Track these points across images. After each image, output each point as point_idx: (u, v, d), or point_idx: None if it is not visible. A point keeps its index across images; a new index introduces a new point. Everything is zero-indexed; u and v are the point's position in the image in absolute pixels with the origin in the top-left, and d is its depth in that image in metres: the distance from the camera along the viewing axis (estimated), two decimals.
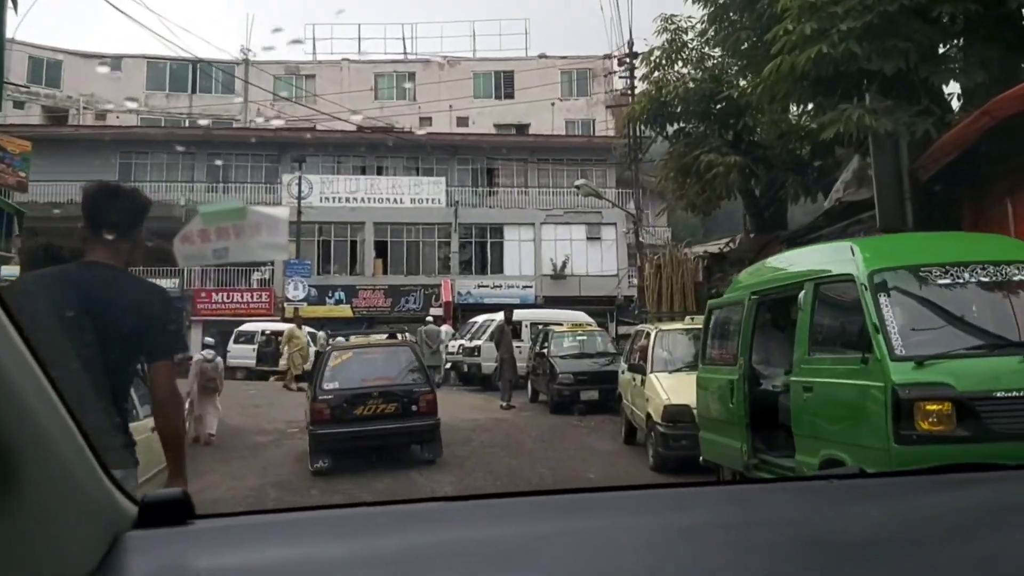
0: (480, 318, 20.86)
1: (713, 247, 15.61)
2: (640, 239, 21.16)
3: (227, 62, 36.69)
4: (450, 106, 37.92)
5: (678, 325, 10.27)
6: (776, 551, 1.01)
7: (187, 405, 8.24)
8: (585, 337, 14.56)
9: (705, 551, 1.03)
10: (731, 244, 14.41)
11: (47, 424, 0.90)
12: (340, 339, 12.40)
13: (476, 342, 18.84)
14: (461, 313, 29.19)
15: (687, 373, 8.29)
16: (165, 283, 30.57)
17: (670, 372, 8.84)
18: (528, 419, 13.17)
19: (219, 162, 32.77)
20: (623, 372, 10.78)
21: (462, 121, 37.54)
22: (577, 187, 20.20)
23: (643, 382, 9.09)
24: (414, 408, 9.49)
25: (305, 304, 27.79)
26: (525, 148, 33.53)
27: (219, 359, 12.75)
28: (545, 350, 14.32)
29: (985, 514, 1.09)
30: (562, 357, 13.79)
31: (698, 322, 8.99)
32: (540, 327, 17.23)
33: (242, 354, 25.92)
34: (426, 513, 1.32)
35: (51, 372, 0.92)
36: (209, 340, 13.96)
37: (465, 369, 19.24)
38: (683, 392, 7.98)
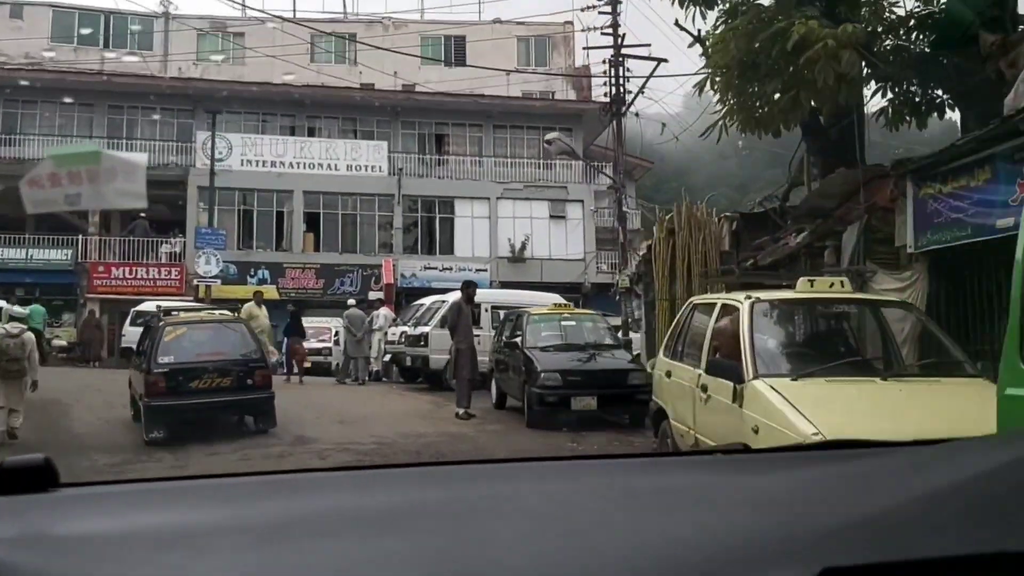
0: (428, 299, 17.15)
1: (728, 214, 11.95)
2: (624, 208, 17.54)
3: (145, 14, 32.09)
4: (395, 72, 33.62)
5: (787, 295, 6.21)
6: (659, 518, 1.05)
7: None
8: (574, 323, 10.92)
9: (585, 519, 1.05)
10: (773, 200, 10.87)
11: None
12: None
13: (423, 329, 15.12)
14: (405, 299, 25.25)
15: (829, 380, 4.61)
16: (56, 254, 26.04)
17: (795, 378, 4.82)
18: (496, 436, 9.58)
19: (122, 116, 28.18)
20: (660, 373, 6.93)
21: (408, 89, 33.36)
22: (548, 142, 16.73)
23: (736, 395, 4.91)
24: (249, 382, 10.02)
25: (219, 282, 23.58)
26: (480, 112, 29.82)
27: (28, 334, 10.13)
28: (518, 340, 10.60)
29: (849, 483, 1.13)
30: (543, 349, 10.15)
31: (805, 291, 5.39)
32: (505, 312, 13.44)
33: (137, 336, 21.50)
34: (297, 483, 1.31)
35: None
36: (18, 309, 11.05)
37: (408, 363, 15.50)
38: (842, 415, 4.39)
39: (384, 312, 17.66)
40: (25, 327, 10.41)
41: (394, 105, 29.54)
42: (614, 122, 18.75)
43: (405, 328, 16.54)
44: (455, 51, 34.95)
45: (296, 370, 17.52)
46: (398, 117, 29.85)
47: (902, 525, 0.94)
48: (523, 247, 28.31)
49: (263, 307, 19.33)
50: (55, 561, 0.92)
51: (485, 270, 27.97)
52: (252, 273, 26.93)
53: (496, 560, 0.93)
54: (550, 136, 17.12)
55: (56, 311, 26.22)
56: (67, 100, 27.34)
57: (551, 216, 29.08)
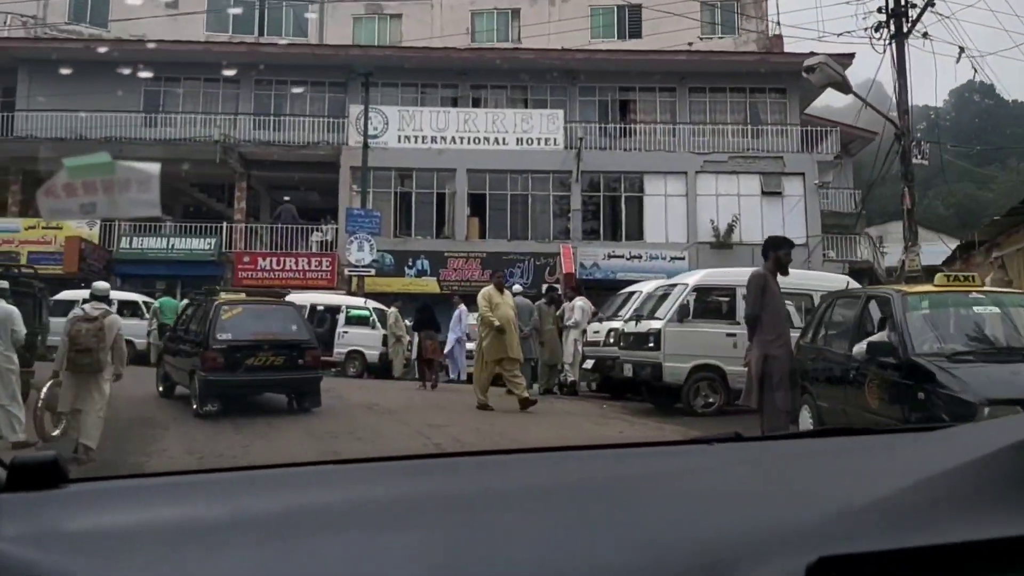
0: (645, 286, 12.61)
1: None
2: (915, 159, 12.48)
3: (300, 1, 29.43)
4: (562, 47, 29.36)
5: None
6: (653, 507, 1.05)
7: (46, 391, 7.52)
8: (994, 309, 6.05)
9: (582, 509, 1.05)
10: None
11: None
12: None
13: (652, 324, 10.62)
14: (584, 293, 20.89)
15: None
16: (199, 244, 23.48)
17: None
18: None
19: (269, 92, 25.42)
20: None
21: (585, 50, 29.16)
22: (809, 69, 11.89)
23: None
24: (300, 361, 10.42)
25: (372, 272, 20.11)
26: (672, 74, 25.09)
27: (113, 317, 7.98)
28: (884, 340, 5.89)
29: (841, 471, 1.14)
30: (956, 358, 5.35)
31: None
32: (826, 296, 8.76)
33: None
34: (307, 476, 1.32)
35: None
36: (102, 285, 8.59)
37: (625, 372, 10.99)
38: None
39: (581, 304, 13.37)
40: (110, 309, 8.36)
41: (571, 69, 25.34)
42: (890, 47, 13.69)
43: (617, 324, 12.16)
44: (629, 22, 30.24)
45: (429, 375, 14.52)
46: (575, 83, 25.72)
47: (899, 512, 0.95)
48: (730, 230, 23.44)
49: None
50: (66, 558, 0.93)
51: (682, 258, 23.37)
52: (410, 264, 23.47)
53: (500, 551, 0.95)
54: (811, 61, 12.32)
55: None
56: (212, 77, 24.81)
57: (763, 192, 24.10)
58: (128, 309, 21.48)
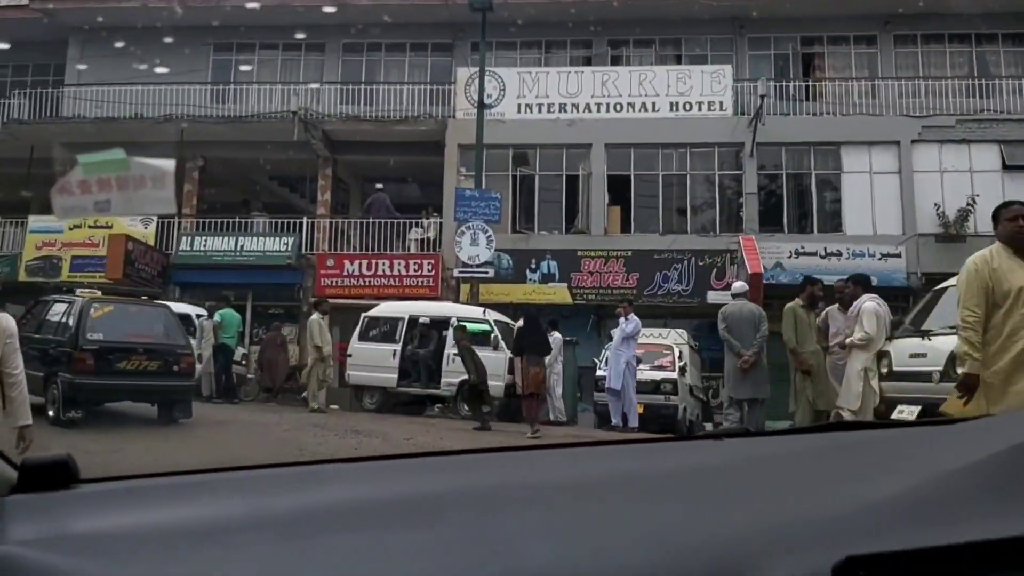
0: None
1: None
2: None
3: None
4: None
5: None
6: (667, 504, 1.05)
7: None
8: None
9: (597, 506, 1.05)
10: None
11: None
12: None
13: None
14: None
15: None
16: (273, 244, 19.02)
17: None
18: None
19: (360, 57, 20.89)
20: None
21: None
22: None
23: None
24: (175, 368, 10.30)
25: (489, 273, 15.07)
26: (873, 17, 19.40)
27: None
28: None
29: (861, 465, 1.10)
30: None
31: None
32: None
33: (373, 360, 13.55)
34: (321, 474, 1.31)
35: None
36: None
37: None
38: None
39: (873, 307, 7.72)
40: None
41: (737, 16, 19.85)
42: None
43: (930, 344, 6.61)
44: None
45: (531, 414, 10.77)
46: (743, 32, 20.23)
47: (922, 507, 0.94)
48: (963, 217, 17.38)
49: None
50: (80, 559, 0.93)
51: (897, 255, 17.66)
52: (533, 266, 18.40)
53: (514, 549, 0.95)
54: None
55: (274, 321, 19.19)
56: (291, 41, 20.45)
57: (1006, 167, 17.99)
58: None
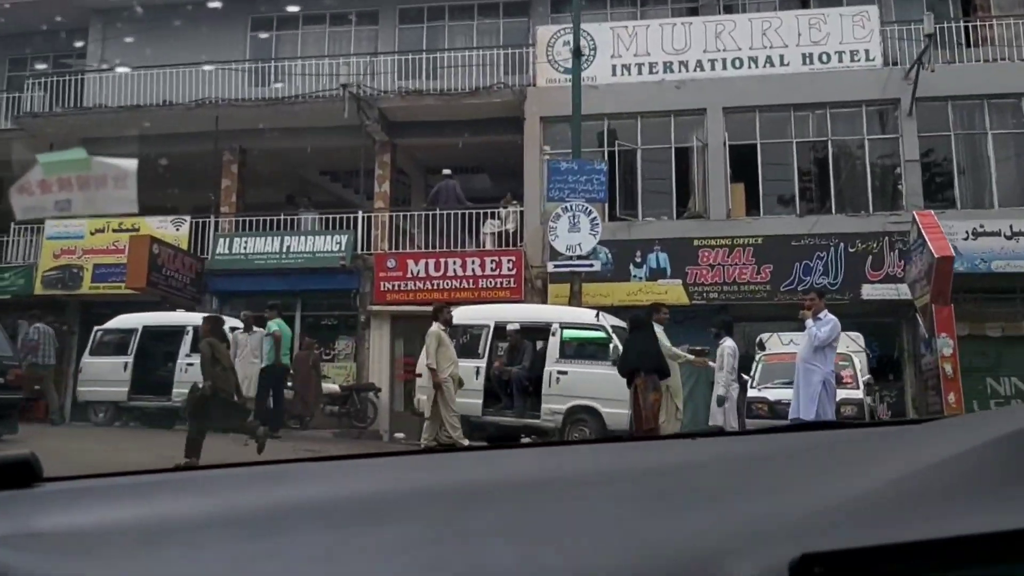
0: None
1: None
2: None
3: None
4: None
5: None
6: (633, 502, 1.05)
7: None
8: None
9: (563, 505, 1.05)
10: None
11: None
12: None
13: None
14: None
15: None
16: (324, 244, 16.02)
17: None
18: None
19: (419, 26, 17.80)
20: None
21: None
22: None
23: None
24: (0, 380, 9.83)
25: (595, 267, 11.78)
26: None
27: None
28: None
29: (823, 465, 1.13)
30: None
31: None
32: None
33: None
34: (285, 473, 1.32)
35: None
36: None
37: None
38: None
39: None
40: None
41: None
42: None
43: None
44: None
45: None
46: None
47: (884, 506, 0.95)
48: None
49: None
50: (44, 557, 0.93)
51: None
52: (638, 260, 15.00)
53: (483, 548, 0.95)
54: None
55: (327, 334, 16.18)
56: (341, 11, 17.49)
57: None
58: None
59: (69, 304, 17.38)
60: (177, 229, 16.89)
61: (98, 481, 1.23)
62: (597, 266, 12.31)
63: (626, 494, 1.07)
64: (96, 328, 14.23)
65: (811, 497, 0.97)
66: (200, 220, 16.98)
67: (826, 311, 8.59)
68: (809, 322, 8.46)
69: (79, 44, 19.25)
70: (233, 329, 12.91)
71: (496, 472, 1.22)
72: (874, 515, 0.92)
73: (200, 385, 8.43)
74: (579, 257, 11.94)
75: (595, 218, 11.99)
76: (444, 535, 0.97)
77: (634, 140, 15.91)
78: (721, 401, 9.17)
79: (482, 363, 10.63)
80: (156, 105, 17.30)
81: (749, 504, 0.99)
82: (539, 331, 10.61)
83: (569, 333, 10.43)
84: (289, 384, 12.83)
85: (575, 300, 11.98)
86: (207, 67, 17.32)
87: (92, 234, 17.09)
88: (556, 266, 12.24)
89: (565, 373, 10.01)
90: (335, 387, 14.67)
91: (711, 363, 9.95)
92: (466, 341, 11.08)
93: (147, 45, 17.92)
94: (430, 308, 15.22)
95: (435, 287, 15.44)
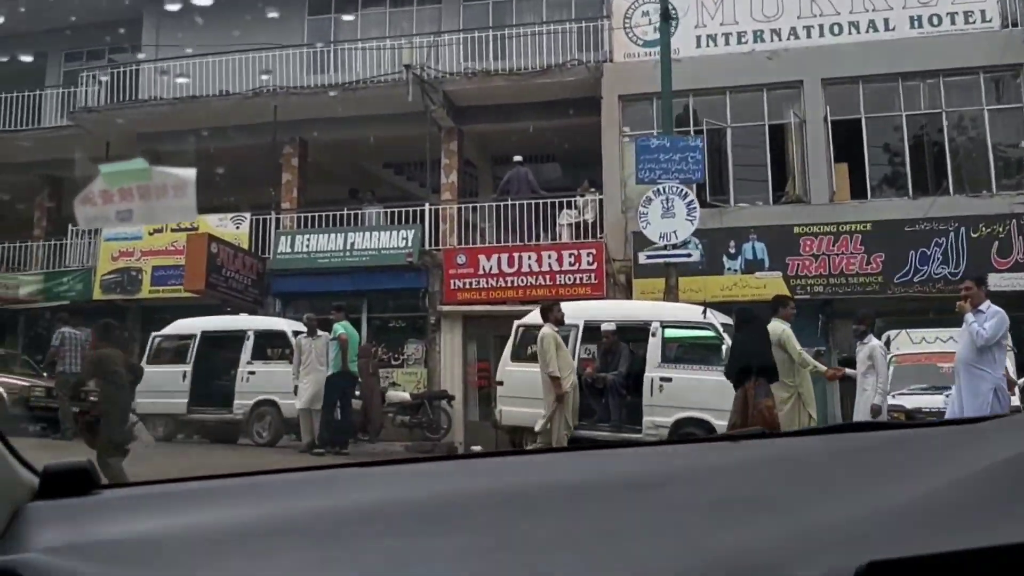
0: None
1: None
2: None
3: None
4: None
5: None
6: (686, 507, 1.03)
7: None
8: None
9: (618, 509, 1.05)
10: None
11: None
12: None
13: None
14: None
15: None
16: (389, 240, 15.10)
17: None
18: None
19: (485, 2, 16.73)
20: None
21: None
22: None
23: None
24: None
25: (693, 256, 10.45)
26: None
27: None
28: None
29: (882, 468, 1.09)
30: None
31: None
32: None
33: (537, 390, 8.95)
34: (342, 478, 1.32)
35: None
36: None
37: None
38: None
39: None
40: None
41: None
42: None
43: None
44: None
45: None
46: None
47: (951, 510, 0.92)
48: None
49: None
50: (102, 565, 0.93)
51: None
52: (732, 250, 13.76)
53: (541, 552, 0.95)
54: None
55: (395, 337, 15.23)
56: None
57: None
58: (272, 345, 13.19)
59: (129, 309, 16.74)
60: (237, 227, 16.10)
61: (154, 488, 1.23)
62: (696, 255, 11.04)
63: (679, 499, 1.05)
64: (153, 334, 13.44)
65: (874, 501, 0.95)
66: (260, 217, 16.16)
67: (988, 302, 7.23)
68: (969, 316, 7.11)
69: (133, 36, 18.60)
70: (296, 333, 12.02)
71: (554, 476, 1.20)
72: (942, 519, 0.90)
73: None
74: (674, 246, 10.69)
75: (692, 202, 10.71)
76: (504, 541, 0.96)
77: (723, 118, 14.54)
78: (877, 411, 7.86)
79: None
80: (212, 95, 16.52)
81: (809, 509, 0.97)
82: (636, 331, 9.41)
83: (672, 333, 9.20)
84: (357, 393, 11.86)
85: (671, 295, 10.73)
86: (264, 53, 16.46)
87: (150, 234, 16.40)
88: (648, 257, 11.00)
89: (669, 380, 8.78)
90: (405, 395, 13.67)
91: (848, 371, 8.63)
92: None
93: (202, 33, 17.16)
94: (504, 307, 14.33)
95: (508, 284, 14.34)
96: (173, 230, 16.23)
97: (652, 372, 8.98)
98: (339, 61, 16.79)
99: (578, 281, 13.97)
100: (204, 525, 1.03)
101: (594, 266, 13.94)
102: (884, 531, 0.88)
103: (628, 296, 13.47)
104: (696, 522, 0.97)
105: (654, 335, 9.08)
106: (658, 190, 10.82)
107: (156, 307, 16.33)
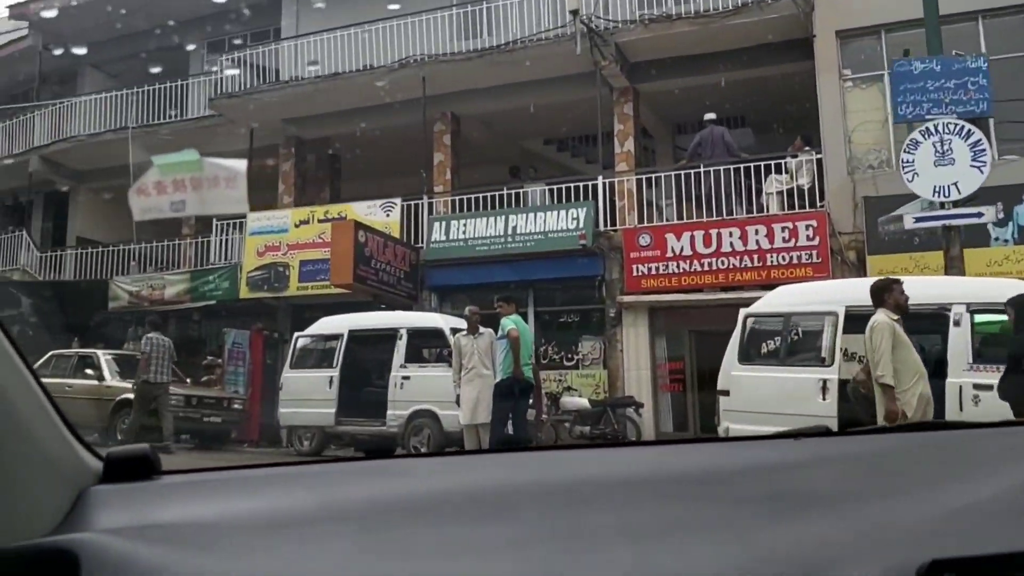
0: None
1: None
2: None
3: None
4: None
5: None
6: (745, 503, 1.03)
7: None
8: None
9: (673, 504, 1.04)
10: None
11: (4, 382, 0.95)
12: None
13: None
14: None
15: None
16: (560, 221, 12.94)
17: None
18: None
19: None
20: None
21: None
22: None
23: None
24: None
25: (982, 215, 7.34)
26: None
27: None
28: None
29: (946, 467, 1.09)
30: None
31: None
32: None
33: (774, 398, 6.37)
34: (397, 468, 1.35)
35: (10, 335, 0.96)
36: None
37: None
38: None
39: None
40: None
41: None
42: None
43: None
44: None
45: None
46: None
47: (1009, 510, 0.91)
48: None
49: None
50: (163, 548, 0.94)
51: None
52: (1000, 217, 10.35)
53: (596, 546, 0.93)
54: None
55: (568, 334, 13.05)
56: None
57: None
58: (427, 345, 11.25)
59: (278, 308, 15.39)
60: (387, 215, 14.37)
61: (212, 474, 1.24)
62: (989, 215, 8.12)
63: (737, 494, 1.04)
64: (295, 335, 11.80)
65: (937, 500, 0.95)
66: (412, 203, 14.36)
67: None
68: None
69: (273, 17, 17.34)
70: (455, 331, 9.98)
71: (609, 470, 1.19)
72: (1007, 519, 0.89)
73: None
74: (955, 203, 7.85)
75: (979, 142, 7.83)
76: (556, 533, 0.96)
77: (975, 48, 11.38)
78: None
79: (830, 374, 6.86)
80: (356, 71, 14.87)
81: (869, 507, 0.96)
82: (923, 319, 6.68)
83: (986, 320, 6.45)
84: (530, 401, 9.68)
85: (954, 270, 7.89)
86: (410, 19, 14.63)
87: (296, 226, 14.96)
88: (917, 220, 8.16)
89: (988, 388, 6.05)
90: (583, 402, 11.41)
91: None
92: (796, 340, 7.38)
93: (342, 7, 15.59)
94: (700, 296, 11.80)
95: (705, 268, 11.81)
96: (320, 220, 14.71)
97: (958, 377, 6.24)
98: (493, 20, 14.71)
99: (795, 261, 11.25)
100: (259, 511, 1.04)
101: (815, 241, 11.17)
102: (950, 531, 0.87)
103: (861, 274, 10.64)
104: (753, 518, 0.96)
105: (957, 324, 6.35)
106: (927, 129, 8.00)
107: (306, 305, 14.87)
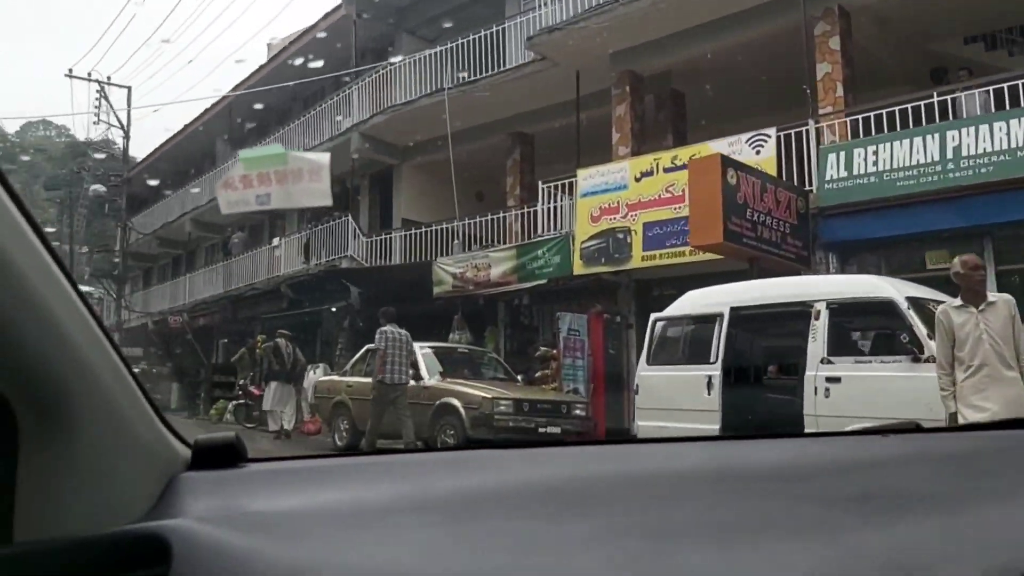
0: None
1: None
2: None
3: None
4: None
5: None
6: (834, 502, 0.98)
7: None
8: None
9: (759, 500, 1.01)
10: None
11: (99, 368, 0.95)
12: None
13: None
14: None
15: None
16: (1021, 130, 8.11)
17: None
18: None
19: None
20: None
21: None
22: None
23: None
24: None
25: None
26: None
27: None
28: None
29: None
30: None
31: None
32: None
33: None
34: (478, 460, 1.32)
35: (102, 324, 0.97)
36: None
37: None
38: None
39: None
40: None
41: None
42: None
43: None
44: None
45: None
46: None
47: None
48: None
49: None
50: (249, 535, 0.94)
51: None
52: None
53: (678, 541, 0.91)
54: None
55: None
56: None
57: None
58: (868, 326, 7.43)
59: (620, 285, 12.45)
60: (757, 152, 10.74)
61: (296, 463, 1.26)
62: None
63: (823, 491, 1.01)
64: (653, 317, 8.44)
65: None
66: (791, 131, 10.57)
67: None
68: None
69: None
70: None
71: (685, 465, 1.18)
72: None
73: None
74: None
75: None
76: (638, 527, 0.94)
77: None
78: None
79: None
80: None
81: (966, 507, 0.92)
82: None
83: None
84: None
85: None
86: None
87: (637, 180, 11.88)
88: None
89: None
90: None
91: None
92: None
93: None
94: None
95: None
96: (667, 169, 11.47)
97: None
98: None
99: None
100: (343, 500, 1.04)
101: None
102: None
103: None
104: (839, 516, 0.93)
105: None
106: None
107: (654, 279, 11.79)
